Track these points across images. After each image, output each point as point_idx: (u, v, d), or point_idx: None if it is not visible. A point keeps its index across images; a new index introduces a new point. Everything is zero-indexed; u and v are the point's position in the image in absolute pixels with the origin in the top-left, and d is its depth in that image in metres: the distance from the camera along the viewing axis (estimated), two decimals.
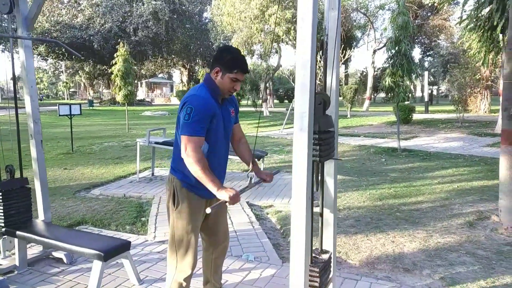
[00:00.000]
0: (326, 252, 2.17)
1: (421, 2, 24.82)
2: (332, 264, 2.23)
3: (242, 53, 2.30)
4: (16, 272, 3.09)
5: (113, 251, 2.66)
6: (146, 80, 58.81)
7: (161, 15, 33.25)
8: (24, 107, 3.21)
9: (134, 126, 16.74)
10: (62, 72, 56.20)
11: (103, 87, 56.21)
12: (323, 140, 1.92)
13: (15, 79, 3.21)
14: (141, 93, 57.26)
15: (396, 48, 8.75)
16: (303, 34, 1.63)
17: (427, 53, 47.65)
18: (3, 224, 3.03)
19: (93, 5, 32.91)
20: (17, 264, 3.12)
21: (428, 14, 31.37)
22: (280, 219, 4.37)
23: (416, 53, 46.73)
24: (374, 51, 28.51)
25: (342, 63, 21.42)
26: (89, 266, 3.19)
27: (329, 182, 2.20)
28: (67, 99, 56.46)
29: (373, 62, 28.58)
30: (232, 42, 21.65)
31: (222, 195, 1.99)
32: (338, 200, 5.10)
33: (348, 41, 29.81)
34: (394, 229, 4.00)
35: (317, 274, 1.96)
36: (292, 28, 19.67)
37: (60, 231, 3.20)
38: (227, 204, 1.99)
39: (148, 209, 4.82)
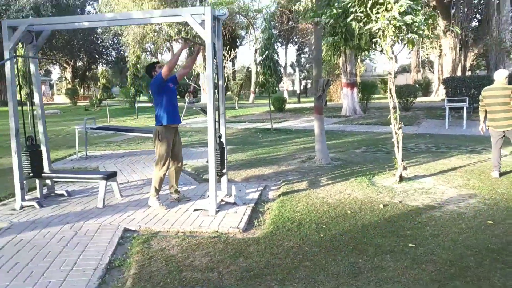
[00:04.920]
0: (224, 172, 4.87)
1: (292, 8, 29.18)
2: (225, 166, 4.93)
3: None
4: (35, 202, 5.09)
5: (110, 175, 4.96)
6: None
7: (43, 10, 32.15)
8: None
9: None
10: None
11: None
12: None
13: (30, 84, 5.17)
14: None
15: (265, 53, 11.90)
16: (208, 63, 4.27)
17: (303, 51, 54.04)
18: (30, 171, 5.01)
19: None
20: (38, 196, 5.14)
21: (298, 17, 36.42)
22: (194, 169, 6.95)
23: (293, 51, 52.27)
24: (256, 50, 32.28)
25: (229, 61, 24.39)
26: (82, 196, 5.36)
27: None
28: None
29: (255, 60, 32.34)
30: (127, 39, 22.94)
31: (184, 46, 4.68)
32: (229, 157, 7.86)
33: (233, 40, 33.11)
34: (260, 166, 6.91)
35: (219, 159, 4.64)
36: (183, 29, 21.93)
37: (68, 172, 5.31)
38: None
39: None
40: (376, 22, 5.12)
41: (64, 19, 4.81)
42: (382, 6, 5.02)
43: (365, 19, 5.29)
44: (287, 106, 20.44)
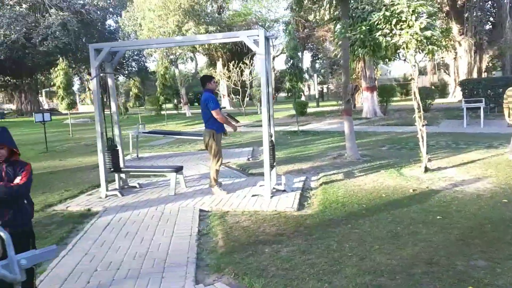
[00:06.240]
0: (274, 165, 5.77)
1: (307, 17, 30.16)
2: (275, 160, 5.82)
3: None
4: (118, 191, 6.05)
5: (178, 169, 5.91)
6: (46, 89, 56.60)
7: (69, 26, 33.87)
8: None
9: (72, 132, 18.48)
10: None
11: (5, 100, 52.42)
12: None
13: (109, 95, 6.19)
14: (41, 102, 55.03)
15: (291, 62, 12.81)
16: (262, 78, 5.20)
17: (317, 56, 54.96)
18: (111, 167, 5.99)
19: None
20: (117, 187, 6.12)
21: (314, 25, 37.36)
22: (238, 165, 7.87)
23: (308, 57, 52.99)
24: (273, 58, 33.30)
25: (250, 69, 25.49)
26: (152, 187, 6.31)
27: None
28: None
29: (273, 67, 33.34)
30: (150, 51, 24.16)
31: (233, 127, 5.52)
32: None
33: (249, 49, 34.22)
34: (297, 162, 7.79)
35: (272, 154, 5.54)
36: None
37: (142, 166, 6.29)
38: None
39: None
40: (400, 36, 5.98)
41: (138, 42, 5.87)
42: (404, 23, 5.89)
43: (390, 33, 6.16)
44: (308, 110, 21.28)
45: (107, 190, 5.87)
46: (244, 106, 22.26)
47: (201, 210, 4.98)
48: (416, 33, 5.83)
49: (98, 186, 6.43)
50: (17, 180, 2.55)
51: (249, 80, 22.61)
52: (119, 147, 6.31)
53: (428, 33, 5.90)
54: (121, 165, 6.33)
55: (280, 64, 63.16)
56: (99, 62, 5.77)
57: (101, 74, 6.16)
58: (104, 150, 5.88)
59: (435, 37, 6.05)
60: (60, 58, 16.76)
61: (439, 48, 6.37)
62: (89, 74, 52.16)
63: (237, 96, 23.91)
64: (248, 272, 3.25)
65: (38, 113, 11.69)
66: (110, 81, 6.22)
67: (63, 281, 3.18)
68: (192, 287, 3.03)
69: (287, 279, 3.11)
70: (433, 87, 26.62)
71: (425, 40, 6.02)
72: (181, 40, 5.49)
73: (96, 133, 5.87)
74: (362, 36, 6.37)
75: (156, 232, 4.24)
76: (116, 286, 3.07)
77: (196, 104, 42.82)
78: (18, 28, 33.37)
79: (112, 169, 6.02)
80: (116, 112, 6.32)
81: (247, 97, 23.38)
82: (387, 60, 7.03)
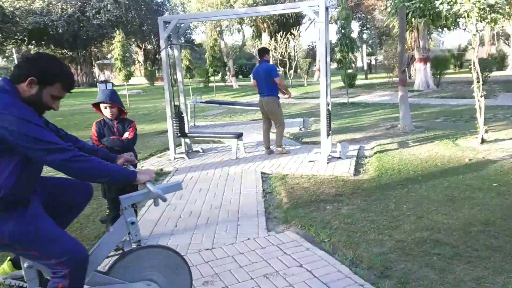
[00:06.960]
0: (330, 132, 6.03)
1: None
2: (331, 128, 6.08)
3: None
4: (185, 154, 6.60)
5: (238, 135, 6.34)
6: (98, 62, 59.11)
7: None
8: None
9: (129, 102, 19.53)
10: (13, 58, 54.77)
11: None
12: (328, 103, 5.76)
13: (175, 66, 6.66)
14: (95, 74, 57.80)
15: (342, 32, 12.71)
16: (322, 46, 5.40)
17: (365, 27, 52.96)
18: (178, 132, 6.53)
19: None
20: (183, 151, 6.68)
21: None
22: (291, 134, 8.19)
23: (355, 27, 51.24)
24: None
25: (297, 40, 25.21)
26: (214, 152, 6.81)
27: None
28: None
29: (320, 38, 32.72)
30: (205, 24, 24.53)
31: (289, 93, 6.08)
32: (318, 126, 9.01)
33: (297, 19, 33.69)
34: (349, 133, 7.98)
35: (329, 125, 5.81)
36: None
37: (205, 132, 6.80)
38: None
39: None
40: (461, 5, 5.89)
41: (203, 15, 6.17)
42: None
43: (451, 2, 6.08)
44: (356, 82, 20.97)
45: (175, 153, 6.43)
46: (291, 78, 22.27)
47: (262, 173, 5.39)
48: (479, 1, 5.73)
49: (165, 150, 7.06)
50: (126, 134, 3.04)
51: (296, 52, 22.46)
52: (184, 114, 6.82)
53: (491, 0, 5.78)
54: (186, 130, 6.86)
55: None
56: (168, 34, 6.20)
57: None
58: (173, 117, 6.41)
59: (499, 5, 5.91)
60: (117, 30, 17.56)
61: (502, 16, 6.20)
62: (138, 46, 53.55)
63: (284, 68, 23.95)
64: (314, 224, 3.62)
65: (102, 83, 12.56)
66: (176, 52, 6.66)
67: (154, 224, 3.72)
68: (265, 233, 3.46)
69: (349, 231, 3.46)
70: (490, 58, 25.10)
71: (488, 8, 5.91)
72: (244, 12, 5.77)
73: (165, 100, 6.38)
74: (421, 5, 6.32)
75: (225, 189, 4.71)
76: (200, 230, 3.57)
77: (241, 76, 43.04)
78: (73, 1, 35.00)
79: (179, 134, 6.56)
80: (182, 82, 6.79)
81: (293, 69, 23.32)
82: (446, 29, 6.91)
